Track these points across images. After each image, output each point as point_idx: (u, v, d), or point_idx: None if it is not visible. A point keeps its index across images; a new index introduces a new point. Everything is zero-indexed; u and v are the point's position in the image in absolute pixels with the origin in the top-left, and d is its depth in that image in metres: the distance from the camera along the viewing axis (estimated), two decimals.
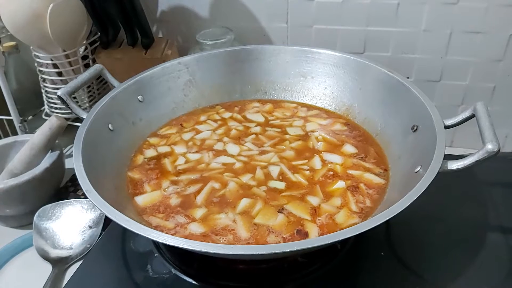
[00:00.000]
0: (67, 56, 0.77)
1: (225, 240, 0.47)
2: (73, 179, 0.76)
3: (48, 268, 0.59)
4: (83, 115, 0.57)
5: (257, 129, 0.66)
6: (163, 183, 0.56)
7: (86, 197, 0.66)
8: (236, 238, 0.48)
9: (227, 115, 0.70)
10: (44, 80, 0.80)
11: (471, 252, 0.52)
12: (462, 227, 0.57)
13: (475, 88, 0.79)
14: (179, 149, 0.63)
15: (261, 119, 0.69)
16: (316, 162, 0.58)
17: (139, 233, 0.39)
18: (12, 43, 0.83)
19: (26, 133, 0.82)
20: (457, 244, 0.54)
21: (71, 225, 0.65)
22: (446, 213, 0.58)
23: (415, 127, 0.54)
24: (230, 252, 0.37)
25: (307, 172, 0.56)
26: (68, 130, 0.70)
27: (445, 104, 0.81)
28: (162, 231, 0.46)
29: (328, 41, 0.81)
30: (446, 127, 0.51)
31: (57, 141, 0.70)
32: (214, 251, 0.37)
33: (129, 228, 0.40)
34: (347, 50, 0.70)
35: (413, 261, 0.52)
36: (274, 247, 0.37)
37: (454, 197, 0.61)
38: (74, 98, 0.81)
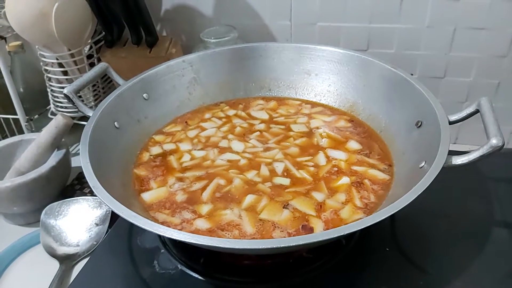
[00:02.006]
0: (72, 55, 0.78)
1: (230, 236, 0.48)
2: (79, 177, 0.77)
3: (55, 265, 0.60)
4: (89, 113, 0.57)
5: (262, 126, 0.67)
6: (169, 179, 0.57)
7: (92, 195, 0.68)
8: (241, 233, 0.48)
9: (231, 112, 0.70)
10: (49, 79, 0.81)
11: (475, 247, 0.53)
12: (466, 223, 0.57)
13: (480, 85, 0.79)
14: (184, 146, 0.63)
15: (265, 116, 0.69)
16: (321, 158, 0.58)
17: (146, 228, 0.40)
18: (18, 42, 0.84)
19: (32, 132, 0.83)
20: (462, 239, 0.54)
21: (77, 222, 0.65)
22: (450, 209, 0.58)
23: (420, 123, 0.55)
24: (236, 247, 0.38)
25: (312, 169, 0.57)
26: (74, 129, 0.71)
27: (449, 100, 0.81)
28: (168, 226, 0.46)
29: (332, 38, 0.82)
30: (451, 123, 0.51)
31: (63, 140, 0.71)
32: (220, 245, 0.37)
33: (136, 224, 0.40)
34: (351, 47, 0.71)
35: (418, 256, 0.52)
36: (279, 241, 0.37)
37: (459, 193, 0.61)
38: (80, 97, 0.82)
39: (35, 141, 0.69)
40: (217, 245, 0.38)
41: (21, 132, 0.85)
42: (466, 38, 0.75)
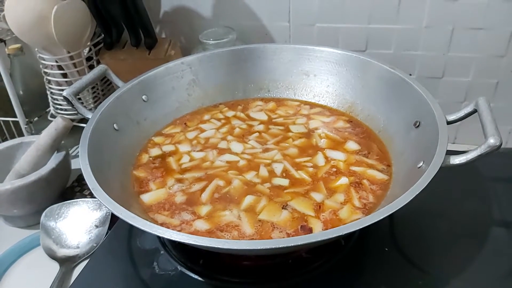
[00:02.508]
0: (71, 58, 0.78)
1: (230, 236, 0.48)
2: (79, 179, 0.77)
3: (55, 267, 0.60)
4: (89, 115, 0.57)
5: (261, 127, 0.67)
6: (168, 181, 0.57)
7: (92, 197, 0.69)
8: (241, 234, 0.48)
9: (230, 114, 0.70)
10: (49, 81, 0.81)
11: (474, 247, 0.53)
12: (465, 222, 0.57)
13: (478, 85, 0.79)
14: (183, 147, 0.64)
15: (264, 117, 0.69)
16: (319, 159, 0.59)
17: (145, 229, 0.40)
18: (17, 45, 0.84)
19: (32, 134, 0.83)
20: (460, 239, 0.54)
21: (77, 224, 0.65)
22: (449, 209, 0.58)
23: (418, 123, 0.55)
24: (235, 247, 0.38)
25: (311, 169, 0.57)
26: (73, 131, 0.71)
27: (448, 101, 0.81)
28: (167, 228, 0.46)
29: (330, 39, 0.82)
30: (449, 123, 0.51)
31: (63, 142, 0.71)
32: (219, 246, 0.38)
33: (135, 225, 0.40)
34: (349, 48, 0.71)
35: (417, 256, 0.52)
36: (278, 241, 0.37)
37: (458, 193, 0.61)
38: (79, 99, 0.82)
39: (35, 143, 0.69)
40: (216, 246, 0.38)
41: (21, 134, 0.85)
42: (464, 38, 0.76)
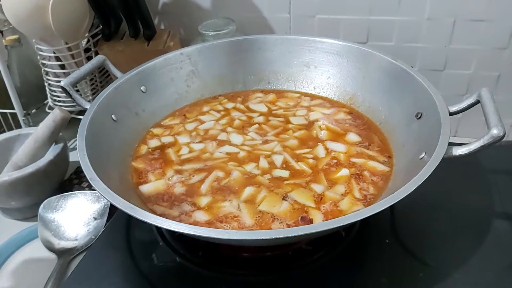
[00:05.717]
0: (69, 49, 0.77)
1: (229, 227, 0.47)
2: (78, 171, 0.76)
3: (53, 260, 0.59)
4: (87, 105, 0.57)
5: (260, 119, 0.66)
6: (167, 172, 0.57)
7: (90, 189, 0.68)
8: (240, 225, 0.48)
9: (230, 105, 0.70)
10: (47, 73, 0.81)
11: (475, 239, 0.52)
12: (466, 215, 0.56)
13: (480, 77, 0.78)
14: (182, 139, 0.63)
15: (264, 109, 0.68)
16: (320, 150, 0.58)
17: (144, 220, 0.39)
18: (15, 36, 0.83)
19: (29, 126, 0.83)
20: (462, 231, 0.54)
21: (76, 216, 0.65)
22: (450, 201, 0.58)
23: (420, 115, 0.54)
24: (235, 237, 0.37)
25: (311, 161, 0.56)
26: (72, 123, 0.70)
27: (449, 93, 0.80)
28: (166, 219, 0.46)
29: (331, 31, 0.81)
30: (451, 114, 0.50)
31: (61, 134, 0.71)
32: (219, 237, 0.37)
33: (134, 215, 0.40)
34: (350, 40, 0.70)
35: (418, 248, 0.52)
36: (279, 232, 0.37)
37: (459, 185, 0.61)
38: (77, 91, 0.81)
39: (33, 135, 0.68)
40: (216, 236, 0.37)
41: (18, 126, 0.85)
42: (466, 30, 0.75)
